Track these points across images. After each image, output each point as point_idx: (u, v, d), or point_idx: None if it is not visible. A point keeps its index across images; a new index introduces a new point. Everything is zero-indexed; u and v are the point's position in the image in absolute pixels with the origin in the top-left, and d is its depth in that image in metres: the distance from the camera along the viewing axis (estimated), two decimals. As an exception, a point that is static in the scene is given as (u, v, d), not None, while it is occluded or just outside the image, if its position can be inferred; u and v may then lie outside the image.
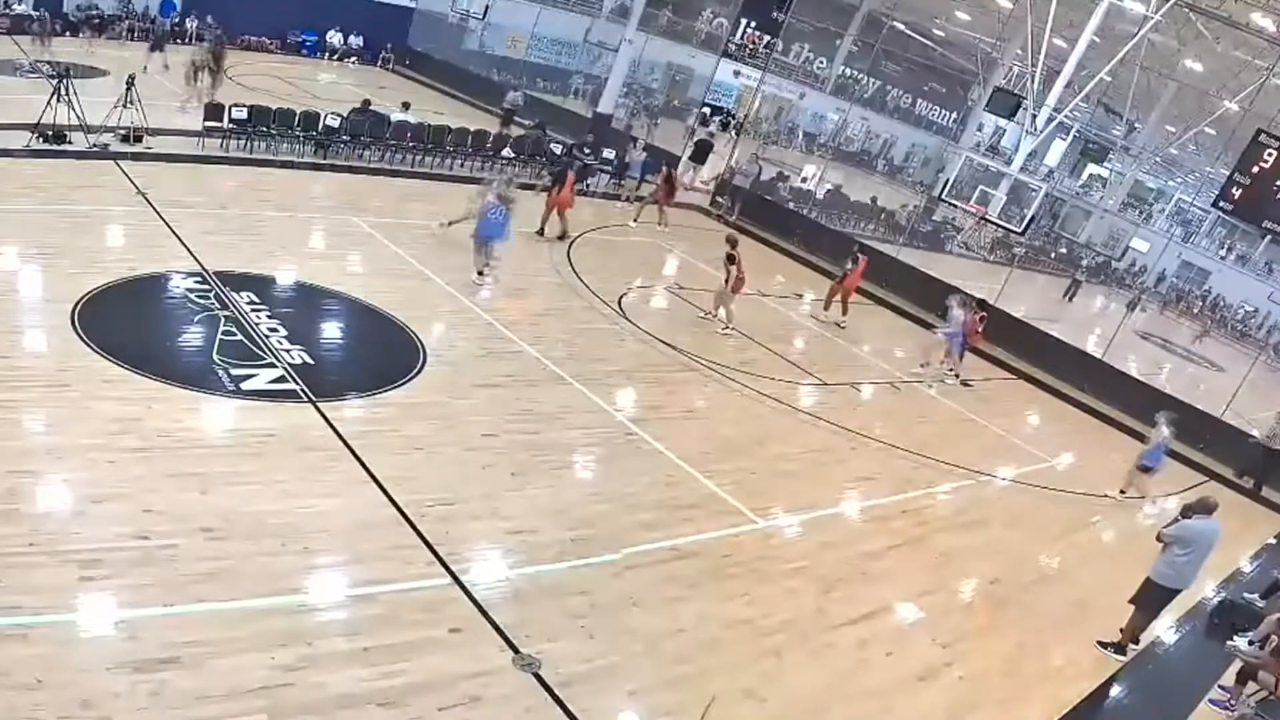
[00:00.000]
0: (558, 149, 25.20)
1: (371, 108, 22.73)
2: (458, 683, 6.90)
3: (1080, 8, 27.40)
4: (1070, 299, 36.91)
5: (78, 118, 15.64)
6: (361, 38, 35.61)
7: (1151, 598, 10.05)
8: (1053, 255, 44.27)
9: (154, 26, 29.54)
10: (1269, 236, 25.29)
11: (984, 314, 18.19)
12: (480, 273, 15.25)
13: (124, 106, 16.87)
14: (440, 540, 8.45)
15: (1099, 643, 10.14)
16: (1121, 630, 10.14)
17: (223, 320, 11.46)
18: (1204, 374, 30.51)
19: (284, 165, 19.17)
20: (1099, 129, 47.60)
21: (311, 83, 28.56)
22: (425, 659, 7.05)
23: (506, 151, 23.81)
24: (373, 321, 12.93)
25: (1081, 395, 19.72)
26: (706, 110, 30.52)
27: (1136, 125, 45.58)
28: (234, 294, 12.22)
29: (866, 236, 30.28)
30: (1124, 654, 10.07)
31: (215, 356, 10.60)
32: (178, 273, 12.54)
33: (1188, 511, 10.04)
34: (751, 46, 28.98)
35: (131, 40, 29.16)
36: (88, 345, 10.09)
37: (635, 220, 22.57)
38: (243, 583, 7.26)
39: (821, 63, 49.52)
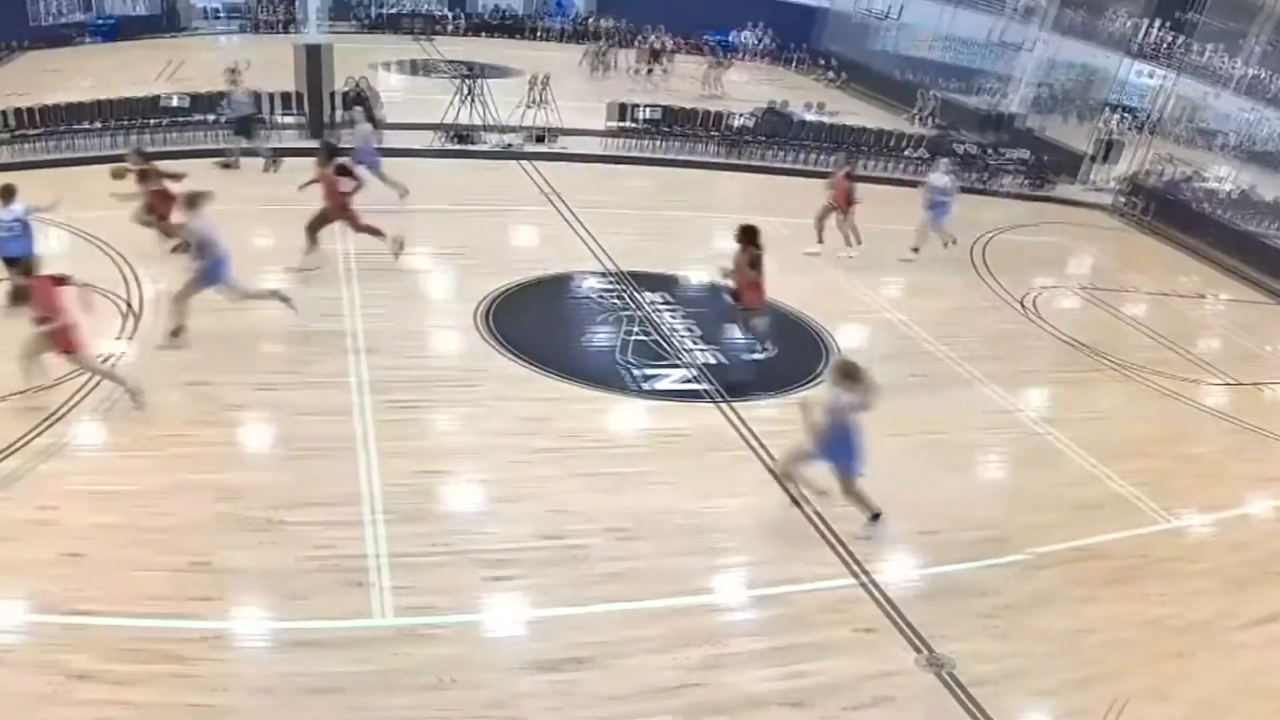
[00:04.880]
0: (969, 149, 24.07)
1: (788, 108, 22.69)
2: (862, 683, 6.62)
3: None
4: None
5: (489, 118, 16.21)
6: (770, 33, 35.86)
7: None
8: None
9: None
10: None
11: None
12: (947, 244, 16.47)
13: (534, 105, 17.55)
14: (846, 539, 8.14)
15: None
16: None
17: (631, 320, 11.67)
18: None
19: (694, 165, 19.26)
20: None
21: (731, 84, 28.78)
22: (832, 659, 6.80)
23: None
24: (781, 321, 12.66)
25: None
26: (1108, 110, 28.17)
27: None
28: (643, 294, 12.41)
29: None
30: None
31: (627, 356, 10.79)
32: (586, 272, 12.89)
33: None
34: (1161, 46, 26.42)
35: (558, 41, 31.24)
36: (496, 344, 10.55)
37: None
38: (651, 583, 7.26)
39: (1236, 64, 43.95)
